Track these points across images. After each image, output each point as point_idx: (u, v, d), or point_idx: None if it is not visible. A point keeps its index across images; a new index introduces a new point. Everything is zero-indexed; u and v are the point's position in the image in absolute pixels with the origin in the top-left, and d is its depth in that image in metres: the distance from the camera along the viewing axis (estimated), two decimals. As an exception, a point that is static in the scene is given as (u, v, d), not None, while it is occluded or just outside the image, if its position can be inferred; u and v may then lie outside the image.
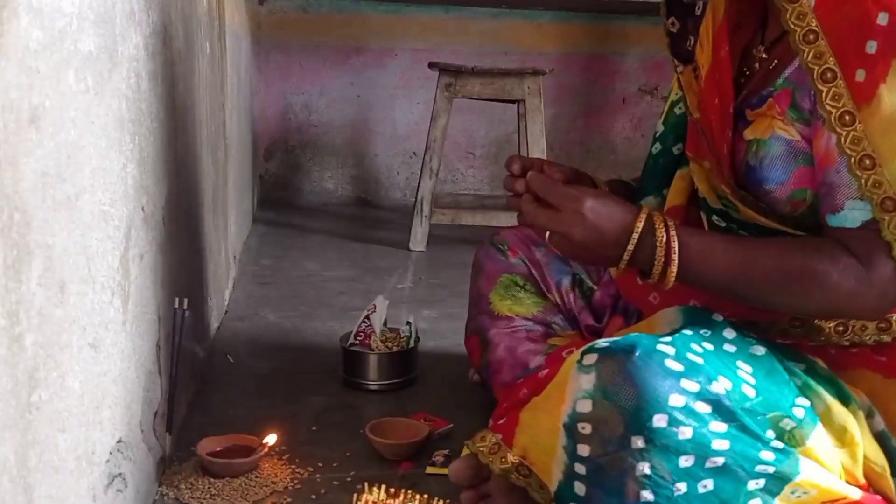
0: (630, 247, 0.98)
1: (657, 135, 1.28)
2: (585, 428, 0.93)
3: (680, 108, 1.23)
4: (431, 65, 2.70)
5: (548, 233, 1.00)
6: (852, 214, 0.94)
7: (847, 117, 0.93)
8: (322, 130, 3.37)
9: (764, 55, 1.07)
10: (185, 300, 1.20)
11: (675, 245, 0.98)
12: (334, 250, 2.65)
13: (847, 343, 1.05)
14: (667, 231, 0.99)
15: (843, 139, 0.94)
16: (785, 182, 1.02)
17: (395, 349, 1.57)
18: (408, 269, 2.50)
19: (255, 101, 3.20)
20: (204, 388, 1.51)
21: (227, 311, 1.96)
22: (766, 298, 1.01)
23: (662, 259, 0.98)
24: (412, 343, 1.60)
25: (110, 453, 0.90)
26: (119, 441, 0.94)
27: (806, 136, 1.00)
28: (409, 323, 1.64)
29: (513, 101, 2.90)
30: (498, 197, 3.16)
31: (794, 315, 1.05)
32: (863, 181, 0.93)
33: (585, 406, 0.93)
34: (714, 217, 1.15)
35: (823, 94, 0.95)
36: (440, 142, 2.69)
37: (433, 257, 2.62)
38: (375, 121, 3.40)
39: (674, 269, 0.98)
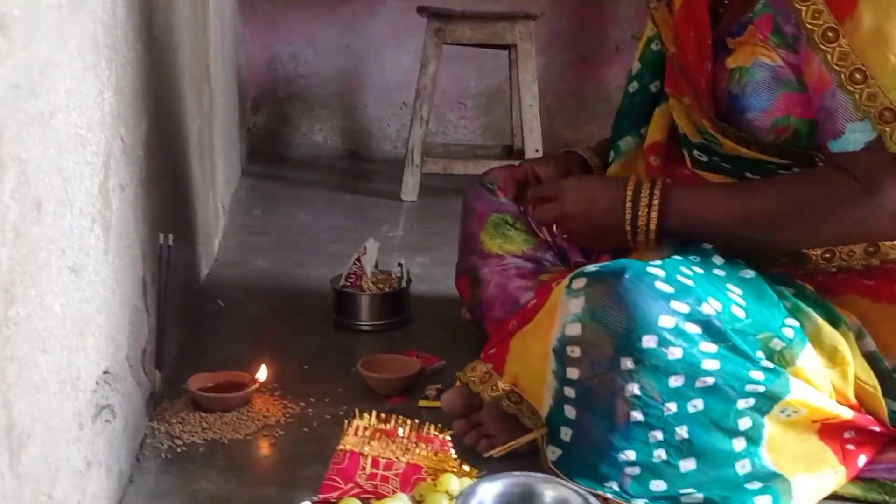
0: (628, 203, 1.01)
1: (633, 73, 1.27)
2: (575, 351, 0.93)
3: (656, 44, 1.22)
4: (420, 10, 2.65)
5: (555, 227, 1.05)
6: (854, 137, 0.93)
7: (830, 34, 0.92)
8: (311, 82, 3.31)
9: None
10: (171, 236, 1.18)
11: (658, 190, 1.02)
12: (325, 202, 2.62)
13: (835, 269, 1.05)
14: (652, 184, 1.03)
15: (829, 56, 0.93)
16: (768, 109, 1.01)
17: (386, 290, 1.56)
18: (399, 219, 2.48)
19: (241, 51, 3.14)
20: (194, 330, 1.50)
21: (216, 259, 1.95)
22: (772, 237, 1.01)
23: (656, 203, 1.00)
24: (404, 284, 1.58)
25: (97, 383, 0.89)
26: (105, 372, 0.93)
27: (790, 61, 0.99)
28: (400, 265, 1.63)
29: (504, 47, 2.85)
30: (490, 147, 3.12)
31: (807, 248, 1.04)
32: (856, 96, 0.92)
33: (574, 329, 0.93)
34: (695, 152, 1.14)
35: (803, 14, 0.94)
36: (430, 89, 2.65)
37: (425, 207, 2.60)
38: (365, 71, 3.35)
39: (654, 214, 1.01)
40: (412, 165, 2.66)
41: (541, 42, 3.19)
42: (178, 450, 1.08)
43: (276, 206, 2.53)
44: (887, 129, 0.92)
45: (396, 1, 3.29)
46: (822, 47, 0.93)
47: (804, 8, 0.93)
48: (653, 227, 1.02)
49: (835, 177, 0.96)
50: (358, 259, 1.60)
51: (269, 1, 3.22)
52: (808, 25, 0.93)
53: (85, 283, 0.85)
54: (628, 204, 1.03)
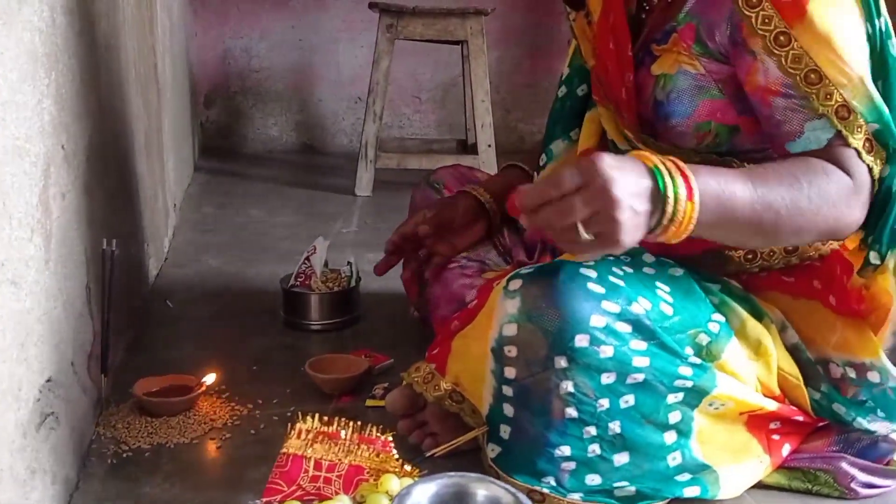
0: (663, 171, 0.84)
1: (563, 78, 1.28)
2: (511, 351, 0.96)
3: (579, 53, 1.23)
4: (372, 5, 2.65)
5: (581, 230, 0.82)
6: (815, 135, 0.94)
7: (782, 38, 0.94)
8: (264, 76, 3.30)
9: None
10: (115, 241, 1.18)
11: (691, 176, 0.85)
12: (278, 197, 2.62)
13: (757, 269, 1.09)
14: (679, 169, 0.86)
15: (783, 60, 0.94)
16: (690, 115, 1.03)
17: (335, 289, 1.58)
18: (353, 214, 2.49)
19: (192, 45, 3.11)
20: (142, 332, 1.51)
21: (166, 259, 1.94)
22: (785, 227, 0.91)
23: (683, 191, 0.84)
24: (353, 283, 1.60)
25: (40, 391, 0.90)
26: (49, 380, 0.93)
27: (711, 70, 1.01)
28: (349, 263, 1.65)
29: (456, 42, 2.87)
30: (444, 141, 3.14)
31: (792, 244, 1.03)
32: (813, 96, 0.94)
33: (511, 330, 0.95)
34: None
35: (753, 20, 0.94)
36: (383, 85, 2.66)
37: (379, 202, 2.61)
38: (319, 65, 3.34)
39: (694, 202, 0.85)
40: (366, 161, 2.67)
41: (494, 36, 3.21)
42: (125, 455, 1.09)
43: (229, 202, 2.52)
44: (845, 126, 0.93)
45: (348, -6, 3.28)
46: (776, 52, 0.94)
47: (753, 15, 0.94)
48: (693, 214, 0.85)
49: (826, 164, 0.93)
50: (307, 258, 1.61)
51: (219, -6, 3.20)
52: (759, 31, 0.94)
53: (25, 295, 0.85)
54: (667, 181, 0.84)
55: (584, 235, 0.81)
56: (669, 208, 0.83)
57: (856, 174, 0.94)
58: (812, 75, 0.94)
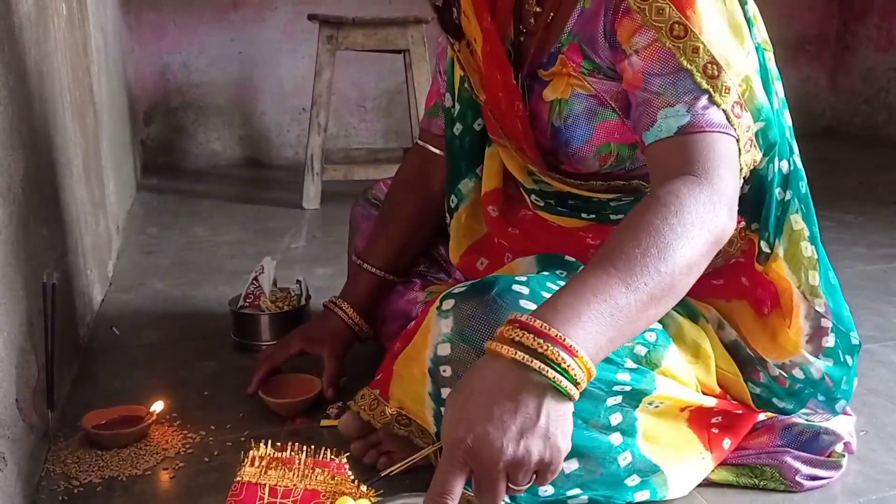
0: (525, 359, 0.73)
1: (455, 114, 1.21)
2: (446, 371, 0.95)
3: (468, 87, 1.17)
4: (311, 17, 2.65)
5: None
6: (666, 123, 0.90)
7: (676, 28, 0.91)
8: (204, 90, 3.26)
9: (537, 8, 1.06)
10: (54, 273, 1.16)
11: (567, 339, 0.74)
12: (224, 214, 2.60)
13: None
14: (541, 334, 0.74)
15: (648, 14, 0.91)
16: (589, 139, 1.03)
17: (285, 308, 1.57)
18: (301, 228, 2.48)
19: (129, 62, 3.06)
20: (88, 362, 1.48)
21: (111, 284, 1.91)
22: (678, 277, 0.82)
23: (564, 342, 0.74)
24: (303, 301, 1.60)
25: (-19, 435, 0.88)
26: (-9, 422, 0.91)
27: (604, 89, 1.00)
28: (298, 282, 1.64)
29: (398, 52, 2.88)
30: (391, 150, 3.15)
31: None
32: (680, 49, 0.90)
33: (445, 349, 0.94)
34: (533, 196, 1.15)
35: (646, 12, 0.91)
36: (326, 96, 2.66)
37: (327, 214, 2.61)
38: (260, 77, 3.32)
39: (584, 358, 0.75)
40: (312, 173, 2.66)
41: (436, 44, 3.24)
42: (75, 490, 1.07)
43: (173, 221, 2.49)
44: (712, 86, 0.90)
45: (287, 6, 3.26)
46: (670, 43, 0.90)
47: (646, 7, 0.91)
48: (587, 364, 0.75)
49: (675, 188, 0.84)
50: (255, 278, 1.60)
51: (154, 9, 3.15)
52: (653, 23, 0.91)
53: (-39, 338, 0.83)
54: (545, 372, 0.73)
55: (521, 486, 0.73)
56: (563, 383, 0.73)
57: (703, 166, 0.86)
58: (676, 27, 0.90)
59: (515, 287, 0.96)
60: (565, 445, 0.74)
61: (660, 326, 1.04)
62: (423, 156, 1.34)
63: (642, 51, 0.92)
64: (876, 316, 1.72)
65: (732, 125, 0.91)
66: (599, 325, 0.75)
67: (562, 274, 1.04)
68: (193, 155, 3.28)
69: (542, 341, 0.73)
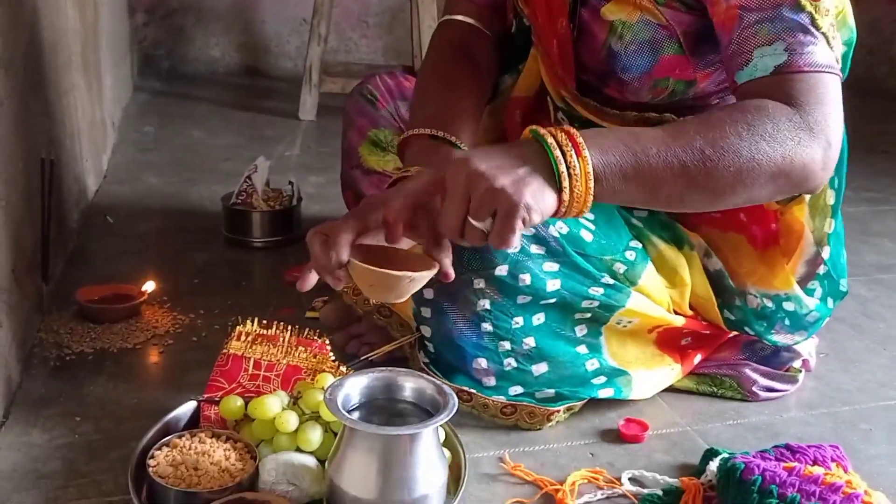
0: (541, 131, 0.78)
1: (518, 7, 1.16)
2: None
3: None
4: (317, -76, 2.60)
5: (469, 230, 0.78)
6: (763, 62, 0.85)
7: None
8: (205, -6, 3.22)
9: None
10: (52, 151, 1.18)
11: (577, 135, 0.78)
12: (220, 119, 2.60)
13: None
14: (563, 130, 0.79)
15: None
16: (649, 70, 0.98)
17: (277, 207, 1.60)
18: (296, 138, 2.49)
19: (130, -41, 3.01)
20: (82, 245, 1.51)
21: (105, 176, 1.93)
22: (714, 179, 0.80)
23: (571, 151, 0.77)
24: (294, 202, 1.63)
25: (-20, 293, 0.92)
26: (-11, 283, 0.95)
27: (675, 21, 0.94)
28: (291, 183, 1.67)
29: (402, -33, 2.83)
30: (391, 67, 3.12)
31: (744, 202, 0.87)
32: None
33: None
34: (560, 115, 1.12)
35: None
36: (328, 6, 2.63)
37: (323, 126, 2.61)
38: (262, -15, 3.27)
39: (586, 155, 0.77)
40: (310, 84, 2.65)
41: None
42: (67, 358, 1.12)
43: (169, 122, 2.49)
44: (815, 9, 0.85)
45: None
46: None
47: None
48: (587, 169, 0.77)
49: (762, 102, 0.82)
50: (248, 177, 1.62)
51: None
52: None
53: (-36, 196, 0.87)
54: (553, 149, 0.77)
55: (480, 226, 0.77)
56: (559, 161, 0.76)
57: (805, 105, 0.82)
58: None
59: None
60: (531, 205, 0.75)
61: (640, 246, 1.06)
62: (459, 31, 1.15)
63: None
64: (851, 254, 1.75)
65: (834, 53, 0.85)
66: (620, 158, 0.78)
67: None
68: (191, 59, 3.25)
69: (567, 144, 0.77)
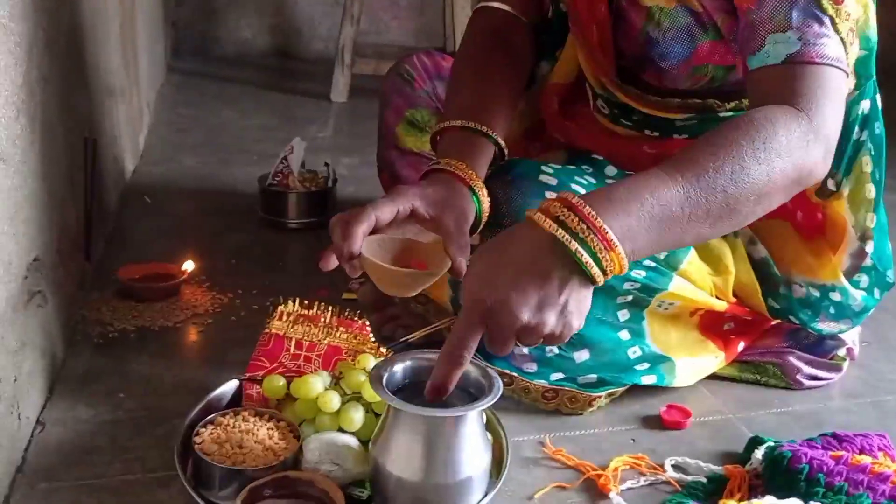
0: (564, 238, 0.73)
1: None
2: None
3: None
4: None
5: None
6: (775, 49, 0.84)
7: None
8: (237, -25, 3.21)
9: None
10: (93, 131, 1.19)
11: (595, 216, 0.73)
12: (252, 100, 2.60)
13: None
14: (574, 208, 0.73)
15: None
16: (687, 58, 0.97)
17: (312, 189, 1.60)
18: (329, 119, 2.49)
19: (164, -60, 3.01)
20: (121, 225, 1.53)
21: (142, 156, 1.94)
22: (743, 204, 0.79)
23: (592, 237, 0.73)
24: (330, 183, 1.63)
25: (27, 269, 0.93)
26: (36, 259, 0.96)
27: (711, 7, 0.93)
28: (326, 164, 1.67)
29: (436, -52, 2.81)
30: (422, 49, 3.12)
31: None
32: None
33: None
34: (599, 102, 1.10)
35: None
36: (361, -12, 2.62)
37: (355, 108, 2.61)
38: (294, -34, 3.26)
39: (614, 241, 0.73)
40: (342, 65, 2.65)
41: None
42: (110, 335, 1.13)
43: (202, 103, 2.50)
44: (836, 12, 0.84)
45: None
46: None
47: None
48: (622, 263, 0.74)
49: (772, 114, 0.80)
50: (284, 158, 1.62)
51: None
52: None
53: (13, 172, 0.87)
54: (586, 264, 0.73)
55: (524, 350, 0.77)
56: (591, 267, 0.73)
57: (812, 103, 0.81)
58: None
59: (542, 178, 0.97)
60: (578, 324, 0.76)
61: None
62: (495, 18, 1.13)
63: None
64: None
65: (846, 56, 0.85)
66: (646, 227, 0.74)
67: (587, 169, 1.04)
68: (223, 41, 3.26)
69: (585, 227, 0.72)
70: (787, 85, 0.83)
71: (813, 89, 0.82)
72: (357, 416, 0.88)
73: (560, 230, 0.73)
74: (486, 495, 0.81)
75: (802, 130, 0.80)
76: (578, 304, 0.75)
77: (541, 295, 0.73)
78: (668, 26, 0.96)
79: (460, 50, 1.13)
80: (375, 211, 0.86)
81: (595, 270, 0.73)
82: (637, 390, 1.06)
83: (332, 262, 0.87)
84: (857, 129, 1.04)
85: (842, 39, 0.85)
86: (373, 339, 1.01)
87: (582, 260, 0.72)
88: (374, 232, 0.87)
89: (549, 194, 0.96)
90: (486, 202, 0.95)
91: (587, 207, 0.73)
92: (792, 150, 0.79)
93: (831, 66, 0.83)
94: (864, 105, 1.04)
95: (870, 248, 1.10)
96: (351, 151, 2.12)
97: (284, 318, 1.01)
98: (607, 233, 0.72)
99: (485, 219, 0.96)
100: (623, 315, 1.02)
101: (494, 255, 0.75)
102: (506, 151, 1.01)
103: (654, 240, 0.76)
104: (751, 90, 0.88)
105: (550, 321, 0.74)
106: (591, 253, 0.72)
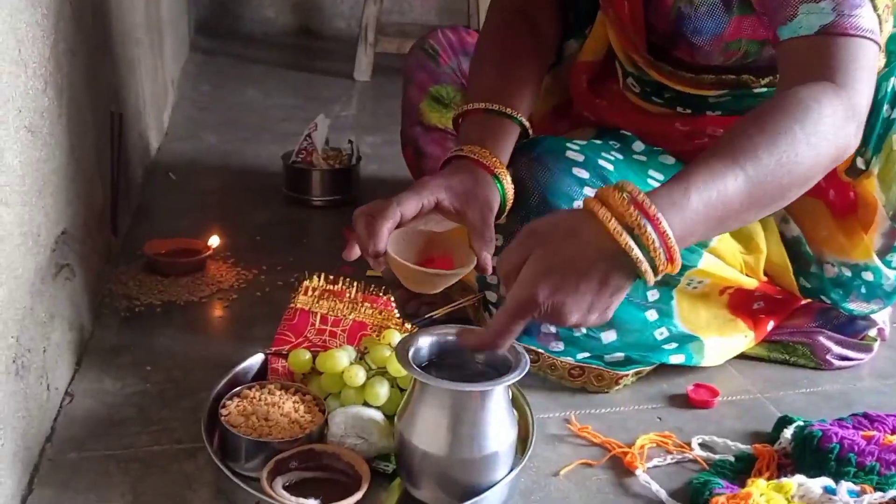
0: (616, 231, 0.71)
1: None
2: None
3: None
4: None
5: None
6: (808, 19, 0.81)
7: None
8: (260, -48, 3.21)
9: None
10: (119, 106, 1.19)
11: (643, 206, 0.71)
12: (275, 79, 2.60)
13: None
14: (637, 204, 0.71)
15: None
16: (720, 33, 0.95)
17: (336, 166, 1.60)
18: (352, 98, 2.48)
19: (188, -82, 3.01)
20: (147, 201, 1.53)
21: (166, 133, 1.95)
22: (792, 190, 0.79)
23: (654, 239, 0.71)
24: (353, 161, 1.62)
25: (55, 242, 0.93)
26: (64, 232, 0.96)
27: None
28: (350, 142, 1.66)
29: (460, -76, 2.78)
30: (445, 27, 3.10)
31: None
32: None
33: None
34: (630, 80, 1.09)
35: None
36: (384, -35, 2.60)
37: (378, 86, 2.60)
38: (317, -56, 3.24)
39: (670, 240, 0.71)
40: (366, 44, 2.63)
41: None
42: (136, 309, 1.14)
43: (225, 81, 2.50)
44: None
45: None
46: None
47: None
48: (675, 257, 0.72)
49: (814, 89, 0.79)
50: (308, 135, 1.62)
51: None
52: None
53: (41, 144, 0.87)
54: (618, 233, 0.71)
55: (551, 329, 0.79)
56: (648, 276, 0.72)
57: (843, 75, 0.80)
58: None
59: (570, 154, 0.96)
60: (611, 315, 0.76)
61: None
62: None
63: None
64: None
65: (881, 30, 0.82)
66: (704, 227, 0.74)
67: (615, 144, 1.03)
68: (246, 19, 3.25)
69: (648, 230, 0.70)
70: (821, 57, 0.81)
71: (847, 63, 0.80)
72: (382, 390, 0.88)
73: (625, 237, 0.70)
74: (511, 471, 0.81)
75: (843, 109, 0.79)
76: (619, 300, 0.75)
77: (593, 299, 0.73)
78: (700, 2, 0.94)
79: (484, 28, 1.12)
80: (400, 207, 0.86)
81: (650, 276, 0.73)
82: (664, 369, 1.05)
83: (356, 253, 0.88)
84: (886, 106, 1.02)
85: (878, 16, 0.82)
86: (397, 315, 1.01)
87: (641, 269, 0.72)
88: (397, 226, 0.87)
89: (577, 170, 0.95)
90: (510, 189, 0.94)
91: (653, 208, 0.71)
92: (835, 131, 0.79)
93: (865, 38, 0.81)
94: (894, 82, 1.02)
95: None
96: (374, 130, 2.11)
97: (309, 293, 1.01)
98: (672, 246, 0.71)
99: (509, 206, 0.95)
100: (652, 295, 1.01)
101: (550, 250, 0.72)
102: (530, 132, 1.00)
103: (707, 234, 0.77)
104: (782, 61, 0.86)
105: (592, 320, 0.75)
106: (653, 266, 0.72)
